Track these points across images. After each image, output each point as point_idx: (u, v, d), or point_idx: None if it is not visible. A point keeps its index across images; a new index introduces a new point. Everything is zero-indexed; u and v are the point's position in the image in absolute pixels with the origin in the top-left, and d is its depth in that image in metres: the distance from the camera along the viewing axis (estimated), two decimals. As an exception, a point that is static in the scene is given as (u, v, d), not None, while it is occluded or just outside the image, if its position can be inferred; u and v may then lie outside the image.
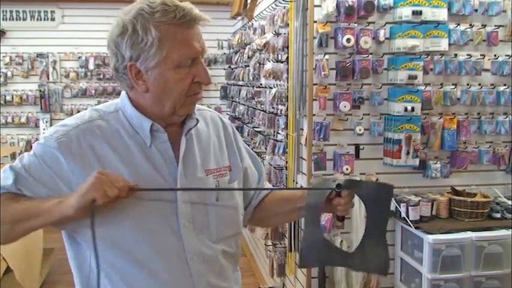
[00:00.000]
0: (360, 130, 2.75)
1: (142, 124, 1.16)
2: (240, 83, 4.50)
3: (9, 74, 5.27)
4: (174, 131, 1.20)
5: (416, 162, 2.76)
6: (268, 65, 3.16)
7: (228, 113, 5.25)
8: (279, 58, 3.12)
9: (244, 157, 1.37)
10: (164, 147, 1.17)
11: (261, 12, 3.65)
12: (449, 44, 2.78)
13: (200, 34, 1.13)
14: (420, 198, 2.69)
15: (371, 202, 1.21)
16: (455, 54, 2.82)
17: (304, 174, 2.83)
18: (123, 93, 1.21)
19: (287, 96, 2.99)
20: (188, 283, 1.15)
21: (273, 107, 3.37)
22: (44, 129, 5.30)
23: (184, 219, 1.15)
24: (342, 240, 2.73)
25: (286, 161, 3.08)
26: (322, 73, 2.66)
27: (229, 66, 5.12)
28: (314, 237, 1.23)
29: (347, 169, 2.70)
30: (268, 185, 1.48)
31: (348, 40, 2.63)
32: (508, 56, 2.87)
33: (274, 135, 3.39)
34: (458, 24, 2.79)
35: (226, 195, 1.24)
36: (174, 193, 1.15)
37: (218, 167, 1.25)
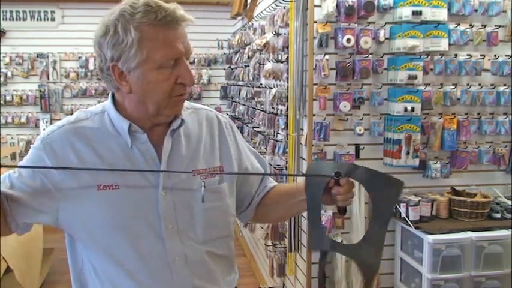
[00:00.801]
0: (360, 130, 2.75)
1: (122, 125, 1.15)
2: (240, 83, 4.50)
3: (9, 74, 5.26)
4: (160, 131, 1.19)
5: (416, 162, 2.76)
6: (268, 65, 3.16)
7: (228, 113, 5.25)
8: (279, 58, 3.12)
9: (246, 156, 1.35)
10: (145, 148, 1.16)
11: (261, 12, 3.65)
12: (449, 44, 2.78)
13: (184, 35, 1.11)
14: (420, 198, 2.69)
15: (376, 191, 1.14)
16: (455, 54, 2.82)
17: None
18: (110, 94, 1.21)
19: (287, 96, 2.99)
20: (169, 285, 1.15)
21: (273, 107, 3.37)
22: (43, 129, 5.29)
23: (166, 221, 1.14)
24: (341, 240, 2.73)
25: (286, 161, 3.08)
26: (322, 73, 2.66)
27: (229, 66, 5.11)
28: (319, 223, 1.19)
29: (347, 169, 2.70)
30: (273, 183, 1.45)
31: (348, 40, 2.63)
32: (508, 56, 2.87)
33: (274, 135, 3.39)
34: (458, 24, 2.79)
35: (213, 196, 1.21)
36: (156, 195, 1.14)
37: (208, 168, 1.23)
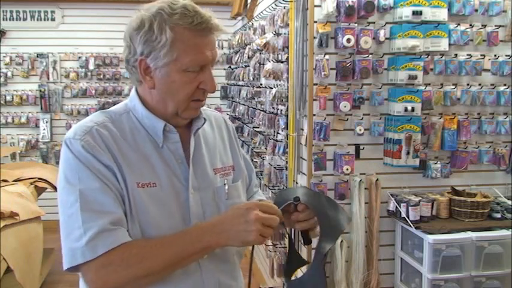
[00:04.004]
0: (360, 130, 2.75)
1: (155, 125, 1.17)
2: (240, 83, 4.49)
3: (9, 74, 5.26)
4: (182, 130, 1.21)
5: (417, 162, 2.76)
6: (269, 65, 3.16)
7: (228, 113, 5.25)
8: (279, 58, 3.12)
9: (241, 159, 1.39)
10: (175, 147, 1.19)
11: (261, 12, 3.65)
12: (450, 44, 2.78)
13: (214, 43, 1.16)
14: (420, 198, 2.68)
15: (327, 221, 1.14)
16: (456, 54, 2.82)
17: (304, 174, 2.83)
18: (132, 92, 1.22)
19: (287, 96, 2.99)
20: (198, 281, 1.16)
21: (273, 107, 3.37)
22: (44, 129, 5.29)
23: (195, 217, 1.16)
24: (342, 240, 2.73)
25: (287, 161, 3.08)
26: (322, 73, 2.66)
27: (230, 66, 5.11)
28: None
29: (347, 169, 2.70)
30: (259, 192, 1.47)
31: (348, 40, 2.63)
32: (508, 56, 2.87)
33: (274, 135, 3.39)
34: (459, 24, 2.79)
35: (234, 193, 1.26)
36: (186, 194, 1.16)
37: (223, 166, 1.28)
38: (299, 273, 1.19)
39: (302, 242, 1.23)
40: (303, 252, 2.81)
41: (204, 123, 1.24)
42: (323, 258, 1.13)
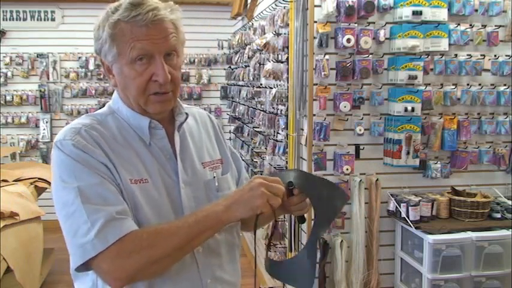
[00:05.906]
0: (360, 130, 2.75)
1: (140, 123, 1.18)
2: (240, 83, 4.49)
3: (9, 74, 5.25)
4: (167, 127, 1.22)
5: (417, 162, 2.76)
6: (269, 65, 3.16)
7: (228, 113, 5.25)
8: (279, 58, 3.12)
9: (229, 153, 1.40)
10: (163, 144, 1.20)
11: (261, 12, 3.65)
12: (450, 44, 2.78)
13: (161, 33, 1.10)
14: (420, 198, 2.69)
15: (321, 204, 1.14)
16: (456, 55, 2.82)
17: (304, 174, 2.83)
18: (115, 94, 1.24)
19: (287, 96, 2.99)
20: (196, 274, 1.17)
21: (273, 107, 3.37)
22: (44, 129, 5.29)
23: (188, 211, 1.16)
24: (342, 240, 2.73)
25: (286, 161, 3.08)
26: (322, 73, 2.66)
27: (230, 67, 5.11)
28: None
29: (347, 169, 2.70)
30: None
31: (348, 40, 2.63)
32: (508, 56, 2.87)
33: (274, 135, 3.39)
34: (459, 25, 2.79)
35: (224, 185, 1.27)
36: (177, 189, 1.17)
37: (211, 160, 1.29)
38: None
39: (297, 221, 1.23)
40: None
41: (186, 118, 1.25)
42: (316, 241, 1.14)
